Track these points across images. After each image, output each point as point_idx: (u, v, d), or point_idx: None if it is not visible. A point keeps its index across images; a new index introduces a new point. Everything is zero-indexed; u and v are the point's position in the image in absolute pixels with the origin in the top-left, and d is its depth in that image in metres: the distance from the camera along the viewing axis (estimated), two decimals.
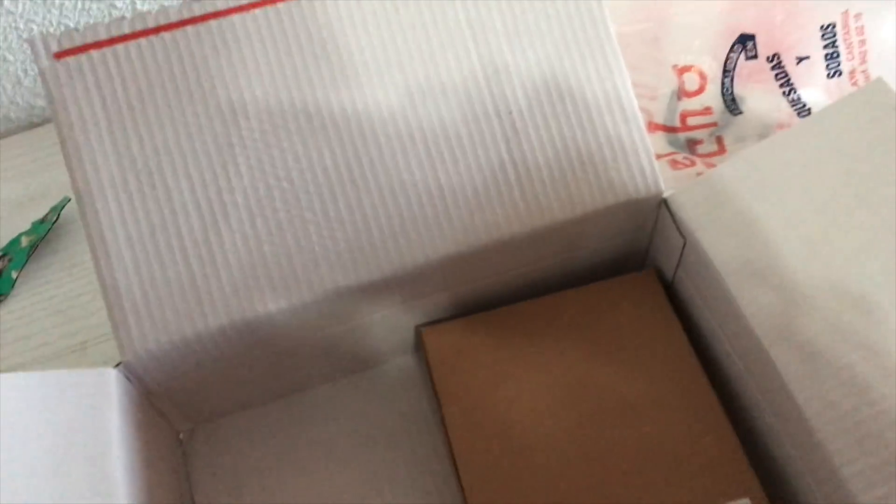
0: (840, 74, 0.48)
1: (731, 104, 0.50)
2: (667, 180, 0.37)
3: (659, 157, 0.50)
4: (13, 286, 0.46)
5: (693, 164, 0.50)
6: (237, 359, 0.36)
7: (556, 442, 0.35)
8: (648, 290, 0.38)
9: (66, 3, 0.51)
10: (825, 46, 0.48)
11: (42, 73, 0.34)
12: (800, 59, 0.48)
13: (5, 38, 0.52)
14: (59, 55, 0.35)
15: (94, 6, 0.52)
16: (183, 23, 0.35)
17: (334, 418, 0.41)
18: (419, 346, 0.39)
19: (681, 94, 0.50)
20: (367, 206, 0.35)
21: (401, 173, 0.35)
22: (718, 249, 0.33)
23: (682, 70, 0.50)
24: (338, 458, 0.40)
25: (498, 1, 0.36)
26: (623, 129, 0.36)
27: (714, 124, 0.51)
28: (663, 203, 0.37)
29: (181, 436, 0.41)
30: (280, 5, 0.35)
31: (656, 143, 0.51)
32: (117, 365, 0.34)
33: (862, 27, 0.47)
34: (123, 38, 0.35)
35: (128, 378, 0.34)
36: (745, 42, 0.48)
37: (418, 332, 0.39)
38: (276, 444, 0.41)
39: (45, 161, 0.52)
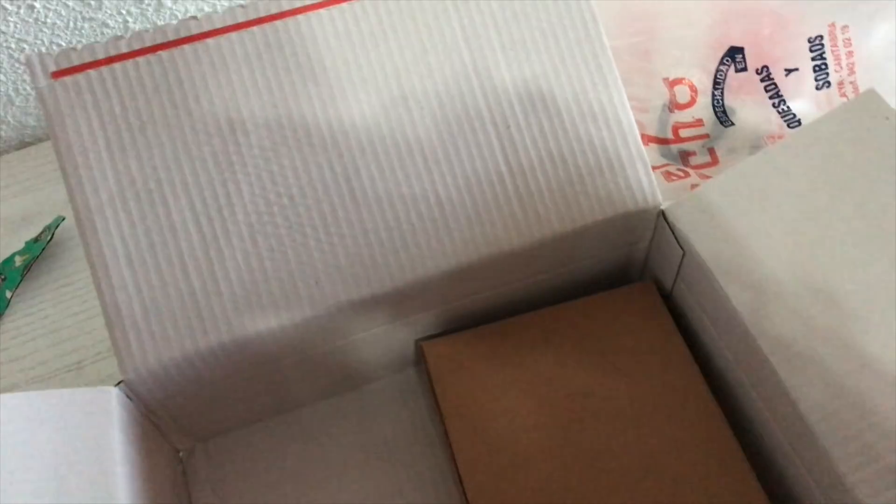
0: (829, 86, 0.49)
1: (723, 116, 0.50)
2: (661, 192, 0.37)
3: (653, 168, 0.50)
4: (7, 306, 0.46)
5: (687, 175, 0.50)
6: (238, 375, 0.36)
7: (558, 453, 0.35)
8: (648, 301, 0.39)
9: (58, 22, 0.51)
10: (813, 58, 0.48)
11: (39, 93, 0.34)
12: (788, 71, 0.49)
13: None
14: (57, 74, 0.35)
15: (86, 25, 0.52)
16: (180, 41, 0.35)
17: (334, 435, 0.41)
18: (420, 359, 0.39)
19: (672, 106, 0.51)
20: (368, 221, 0.35)
21: (400, 187, 0.35)
22: (717, 260, 0.34)
23: (674, 83, 0.50)
24: (339, 474, 0.40)
25: (493, 16, 0.37)
26: (620, 142, 0.36)
27: (706, 136, 0.51)
28: (661, 215, 0.37)
29: (181, 454, 0.41)
30: (277, 23, 0.36)
31: (649, 154, 0.51)
32: (118, 383, 0.33)
33: (849, 39, 0.48)
34: (121, 58, 0.35)
35: (128, 396, 0.34)
36: (734, 55, 0.49)
37: (419, 345, 0.39)
38: (276, 461, 0.40)
39: (38, 180, 0.51)
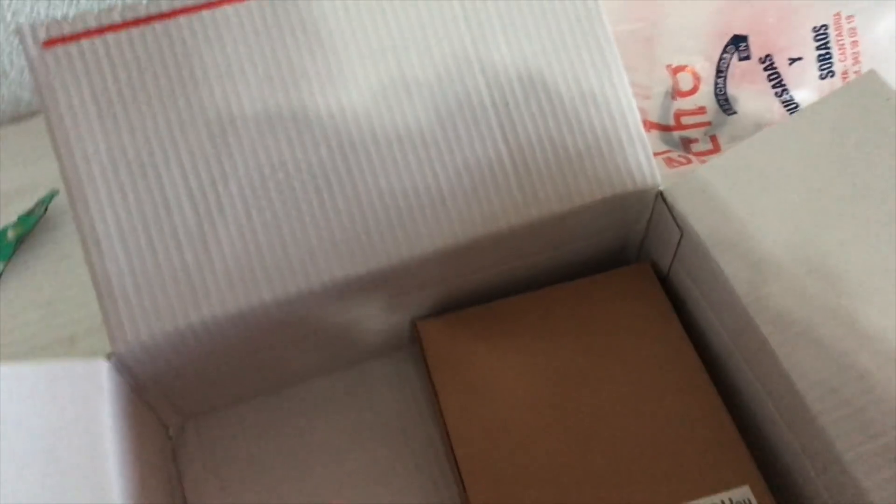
0: (833, 75, 0.48)
1: (725, 104, 0.50)
2: (662, 178, 0.37)
3: (654, 154, 0.50)
4: None
5: (689, 161, 0.50)
6: (230, 351, 0.36)
7: (555, 433, 0.34)
8: (644, 283, 0.38)
9: None
10: (818, 48, 0.48)
11: (30, 62, 0.34)
12: (792, 60, 0.48)
13: None
14: (48, 44, 0.34)
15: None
16: (175, 13, 0.35)
17: (327, 413, 0.41)
18: (415, 339, 0.39)
19: (675, 93, 0.50)
20: (364, 197, 0.34)
21: (397, 163, 0.35)
22: (716, 240, 0.33)
23: (676, 70, 0.50)
24: (331, 453, 0.40)
25: None
26: (619, 122, 0.36)
27: (708, 123, 0.51)
28: (660, 195, 0.37)
29: (170, 431, 0.41)
30: None
31: (651, 141, 0.51)
32: (109, 356, 0.33)
33: (854, 28, 0.48)
34: (114, 28, 0.34)
35: (119, 370, 0.34)
36: (737, 43, 0.48)
37: (414, 325, 0.39)
38: (268, 439, 0.40)
39: (32, 154, 0.51)
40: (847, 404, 0.28)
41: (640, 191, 0.36)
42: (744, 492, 0.32)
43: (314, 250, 0.34)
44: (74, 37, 0.34)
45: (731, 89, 0.49)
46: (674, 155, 0.51)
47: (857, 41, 0.48)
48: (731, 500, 0.32)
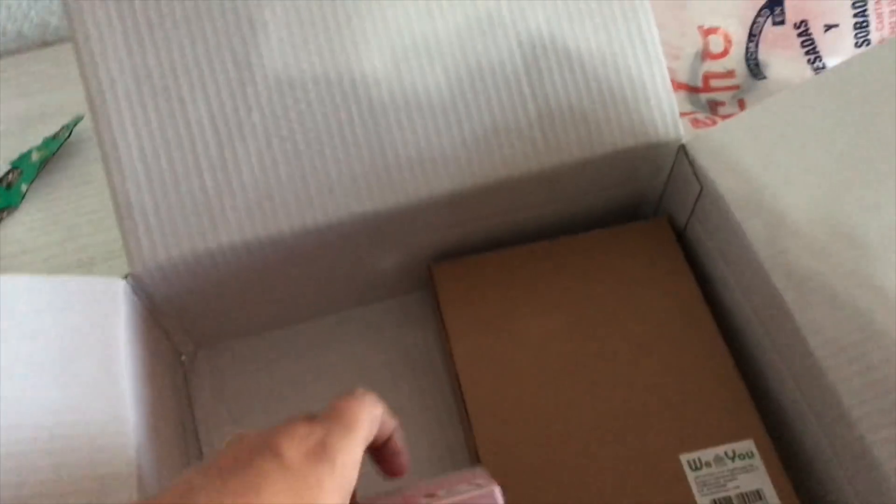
0: (868, 44, 0.47)
1: (755, 69, 0.49)
2: (686, 138, 0.36)
3: (680, 115, 0.50)
4: (23, 199, 0.46)
5: (714, 123, 0.49)
6: (245, 280, 0.36)
7: (563, 379, 0.35)
8: (660, 237, 0.38)
9: None
10: (855, 15, 0.47)
11: None
12: (828, 27, 0.47)
13: None
14: None
15: None
16: None
17: (339, 349, 0.41)
18: (429, 281, 0.39)
19: (705, 55, 0.50)
20: (385, 132, 0.34)
21: (419, 100, 0.34)
22: (735, 196, 0.33)
23: (708, 31, 0.49)
24: (341, 388, 0.40)
25: None
26: (646, 70, 0.36)
27: (737, 87, 0.50)
28: (682, 149, 0.36)
29: (183, 357, 0.41)
30: None
31: (678, 101, 0.50)
32: (126, 276, 0.33)
33: None
34: None
35: (135, 290, 0.34)
36: (773, 7, 0.48)
37: (429, 267, 0.39)
38: (278, 371, 0.41)
39: (59, 79, 0.51)
40: (857, 361, 0.28)
41: (662, 143, 0.36)
42: (747, 445, 0.32)
43: (333, 184, 0.34)
44: None
45: (763, 54, 0.49)
46: (700, 116, 0.50)
47: (895, 10, 0.47)
48: (734, 452, 0.32)
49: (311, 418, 0.24)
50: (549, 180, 0.36)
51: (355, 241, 0.36)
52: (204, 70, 0.34)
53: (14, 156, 0.47)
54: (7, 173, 0.47)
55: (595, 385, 0.34)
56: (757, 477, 0.32)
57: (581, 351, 0.35)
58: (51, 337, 0.30)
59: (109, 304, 0.32)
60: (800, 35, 0.48)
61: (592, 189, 0.38)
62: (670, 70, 0.50)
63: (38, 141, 0.48)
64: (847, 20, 0.47)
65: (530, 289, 0.37)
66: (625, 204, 0.41)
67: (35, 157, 0.47)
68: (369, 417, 0.25)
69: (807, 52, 0.48)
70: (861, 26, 0.47)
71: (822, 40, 0.48)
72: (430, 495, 0.25)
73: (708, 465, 0.32)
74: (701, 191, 0.35)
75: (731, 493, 0.31)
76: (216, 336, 0.41)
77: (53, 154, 0.47)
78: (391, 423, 0.26)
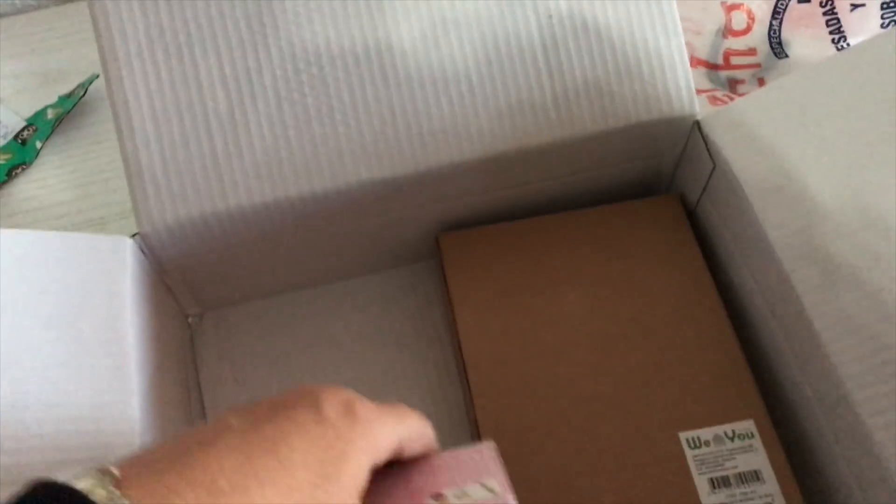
0: (895, 24, 0.47)
1: (777, 48, 0.48)
2: (702, 115, 0.36)
3: (699, 92, 0.49)
4: (37, 156, 0.46)
5: (733, 101, 0.49)
6: (253, 244, 0.36)
7: (565, 352, 0.34)
8: (671, 214, 0.38)
9: None
10: None
11: None
12: (854, 7, 0.47)
13: None
14: None
15: None
16: None
17: (345, 316, 0.41)
18: (436, 251, 0.39)
19: (727, 32, 0.49)
20: (396, 100, 0.34)
21: (432, 68, 0.34)
22: (748, 175, 0.33)
23: (731, 7, 0.48)
24: (346, 354, 0.40)
25: None
26: (663, 43, 0.35)
27: (757, 65, 0.49)
28: (696, 125, 0.36)
29: (189, 319, 0.41)
30: None
31: (697, 78, 0.50)
32: (134, 235, 0.34)
33: None
34: None
35: (143, 250, 0.34)
36: None
37: (436, 236, 0.39)
38: (283, 336, 0.41)
39: (75, 37, 0.51)
40: (862, 345, 0.28)
41: (676, 118, 0.35)
42: (748, 425, 0.32)
43: (342, 150, 0.34)
44: None
45: (786, 32, 0.48)
46: (718, 94, 0.50)
47: None
48: (734, 432, 0.32)
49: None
50: (562, 153, 0.36)
51: (363, 209, 0.36)
52: (217, 30, 0.34)
53: (30, 112, 0.48)
54: (22, 129, 0.47)
55: (598, 360, 0.34)
56: (756, 457, 0.32)
57: (585, 326, 0.35)
58: (57, 292, 0.30)
59: (117, 262, 0.33)
60: (825, 14, 0.47)
61: (606, 163, 0.38)
62: (690, 46, 0.49)
63: (54, 98, 0.48)
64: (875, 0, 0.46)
65: (537, 262, 0.37)
66: (638, 180, 0.40)
67: (50, 114, 0.47)
68: (411, 418, 0.25)
69: (831, 32, 0.47)
70: (889, 6, 0.46)
71: (848, 19, 0.47)
72: (437, 496, 0.25)
73: (707, 444, 0.32)
74: (713, 169, 0.35)
75: (729, 473, 0.31)
76: (223, 298, 0.41)
77: (68, 112, 0.47)
78: (428, 443, 0.26)
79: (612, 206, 0.39)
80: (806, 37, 0.48)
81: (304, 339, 0.41)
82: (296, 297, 0.42)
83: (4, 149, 0.46)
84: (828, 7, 0.47)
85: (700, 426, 0.32)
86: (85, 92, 0.48)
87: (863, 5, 0.46)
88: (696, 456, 0.32)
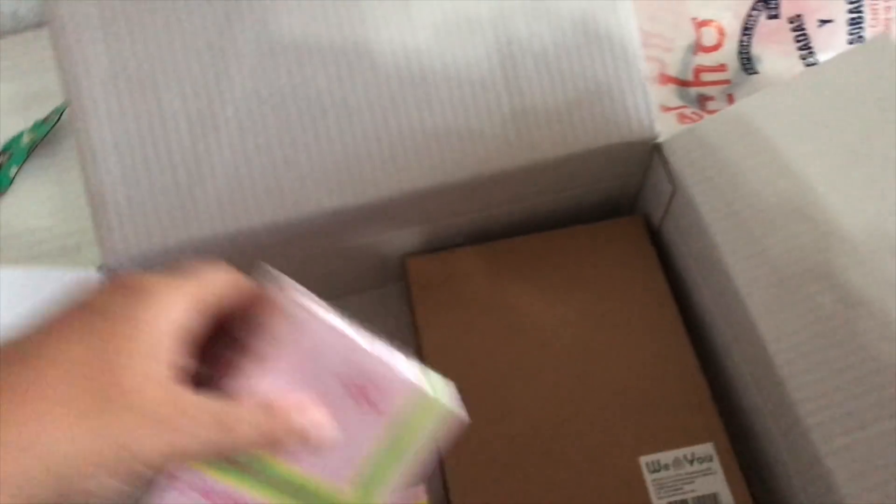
0: (861, 40, 0.47)
1: (747, 63, 0.49)
2: (671, 134, 0.36)
3: (668, 109, 0.49)
4: (11, 183, 0.47)
5: (701, 118, 0.49)
6: None
7: (528, 376, 0.35)
8: (634, 236, 0.38)
9: None
10: (850, 11, 0.47)
11: None
12: (822, 22, 0.47)
13: None
14: None
15: None
16: None
17: None
18: (404, 274, 0.40)
19: (697, 48, 0.49)
20: (358, 129, 0.34)
21: (394, 97, 0.35)
22: (707, 198, 0.33)
23: (701, 24, 0.49)
24: None
25: None
26: (623, 69, 0.35)
27: (727, 82, 0.50)
28: (656, 149, 0.36)
29: None
30: None
31: (667, 95, 0.50)
32: (99, 268, 0.34)
33: None
34: None
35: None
36: (768, 0, 0.47)
37: (403, 260, 0.39)
38: None
39: (52, 62, 0.51)
40: (815, 370, 0.28)
41: (636, 142, 0.36)
42: (707, 448, 0.33)
43: (305, 178, 0.34)
44: None
45: (756, 48, 0.48)
46: (687, 111, 0.50)
47: (890, 6, 0.47)
48: (693, 455, 0.33)
49: None
50: (523, 178, 0.36)
51: (328, 236, 0.36)
52: (180, 63, 0.34)
53: (4, 138, 0.48)
54: None
55: (559, 383, 0.35)
56: (714, 481, 0.32)
57: (548, 349, 0.35)
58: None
59: None
60: (794, 29, 0.48)
61: (569, 186, 0.38)
62: (661, 63, 0.49)
63: (30, 123, 0.48)
64: (842, 15, 0.47)
65: (503, 285, 0.37)
66: (603, 200, 0.41)
67: (26, 139, 0.47)
68: (212, 274, 0.23)
69: (800, 48, 0.48)
70: (855, 22, 0.47)
71: (816, 35, 0.47)
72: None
73: (666, 467, 0.32)
74: (673, 192, 0.35)
75: (688, 497, 0.32)
76: None
77: (43, 138, 0.48)
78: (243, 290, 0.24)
79: (576, 227, 0.39)
80: (775, 53, 0.49)
81: None
82: None
83: None
84: (796, 23, 0.47)
85: (660, 449, 0.33)
86: (60, 117, 0.48)
87: (831, 21, 0.47)
88: (655, 480, 0.32)
